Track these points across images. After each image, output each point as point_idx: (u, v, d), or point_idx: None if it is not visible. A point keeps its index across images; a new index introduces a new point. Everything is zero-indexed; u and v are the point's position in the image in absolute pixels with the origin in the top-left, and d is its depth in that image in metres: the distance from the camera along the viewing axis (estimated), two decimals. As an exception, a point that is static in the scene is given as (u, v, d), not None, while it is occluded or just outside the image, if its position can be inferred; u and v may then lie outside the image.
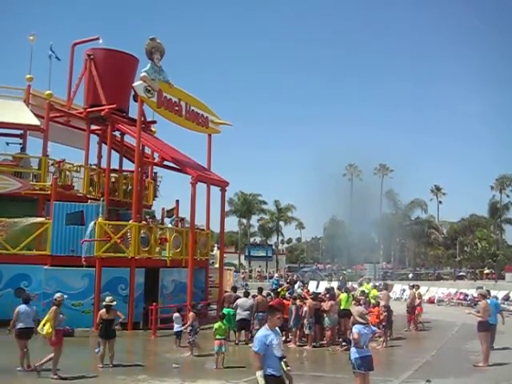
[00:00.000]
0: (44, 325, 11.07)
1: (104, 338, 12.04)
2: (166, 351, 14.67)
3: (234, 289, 18.41)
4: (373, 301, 21.64)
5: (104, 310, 12.37)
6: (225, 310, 15.62)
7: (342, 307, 15.92)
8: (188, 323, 14.01)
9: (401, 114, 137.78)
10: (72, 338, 16.23)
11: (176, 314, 15.34)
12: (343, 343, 15.18)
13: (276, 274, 45.94)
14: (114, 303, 12.48)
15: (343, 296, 16.52)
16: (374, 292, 22.26)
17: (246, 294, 16.66)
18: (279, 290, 19.28)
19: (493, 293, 16.82)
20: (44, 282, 17.83)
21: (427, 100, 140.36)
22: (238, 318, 15.81)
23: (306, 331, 15.43)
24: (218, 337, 12.52)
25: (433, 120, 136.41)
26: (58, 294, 11.96)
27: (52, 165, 20.99)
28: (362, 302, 16.01)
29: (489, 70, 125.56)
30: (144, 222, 20.19)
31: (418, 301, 19.70)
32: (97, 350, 12.01)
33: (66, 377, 10.98)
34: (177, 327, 15.11)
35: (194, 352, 13.79)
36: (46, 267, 18.13)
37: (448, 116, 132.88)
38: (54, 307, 11.36)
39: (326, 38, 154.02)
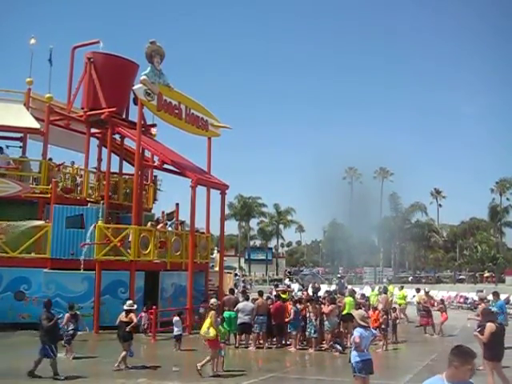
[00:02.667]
0: (208, 328, 11.79)
1: (119, 340, 12.52)
2: (166, 354, 14.64)
3: (232, 291, 18.41)
4: (402, 301, 22.05)
5: (124, 313, 12.72)
6: (225, 314, 15.61)
7: (345, 311, 15.86)
8: (63, 324, 13.21)
9: (401, 117, 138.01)
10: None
11: (176, 318, 15.32)
12: (337, 346, 15.16)
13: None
14: (135, 307, 13.04)
15: (348, 300, 16.50)
16: (403, 293, 22.64)
17: (247, 298, 16.66)
18: (280, 293, 19.22)
19: (491, 297, 16.78)
20: (44, 285, 17.81)
21: (427, 103, 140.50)
22: (239, 321, 15.79)
23: (312, 335, 15.40)
24: (217, 340, 12.51)
25: (433, 123, 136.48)
26: (213, 300, 13.06)
27: (52, 168, 21.00)
28: (362, 305, 16.04)
29: (488, 72, 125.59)
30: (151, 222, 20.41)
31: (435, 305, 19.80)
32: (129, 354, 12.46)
33: (219, 374, 11.84)
34: (176, 331, 15.10)
35: (68, 355, 13.31)
36: (45, 270, 18.11)
37: (448, 119, 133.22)
38: (213, 311, 12.17)
39: (325, 40, 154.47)
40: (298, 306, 15.99)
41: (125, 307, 12.88)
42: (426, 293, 20.48)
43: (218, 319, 12.25)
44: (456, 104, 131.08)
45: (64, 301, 17.28)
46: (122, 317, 12.66)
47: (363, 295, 20.11)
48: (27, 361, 11.85)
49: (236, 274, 48.25)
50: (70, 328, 13.37)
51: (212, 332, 11.72)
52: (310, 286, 29.19)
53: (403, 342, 17.35)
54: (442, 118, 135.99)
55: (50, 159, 21.43)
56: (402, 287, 24.74)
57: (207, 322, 11.99)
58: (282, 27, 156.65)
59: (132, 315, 12.68)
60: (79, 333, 14.58)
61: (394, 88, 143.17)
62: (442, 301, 20.44)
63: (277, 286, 23.24)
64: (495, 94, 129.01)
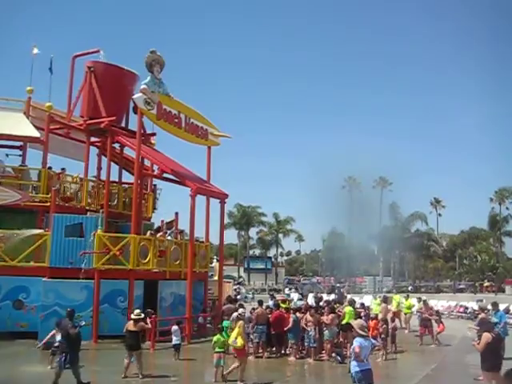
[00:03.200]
0: (236, 338, 12.02)
1: (127, 349, 12.48)
2: (165, 364, 14.58)
3: (230, 300, 18.30)
4: (408, 310, 22.26)
5: (132, 322, 12.72)
6: (224, 323, 15.56)
7: (345, 321, 15.81)
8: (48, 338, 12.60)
9: (400, 126, 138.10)
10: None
11: (175, 327, 15.29)
12: (337, 357, 15.10)
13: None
14: (142, 316, 13.05)
15: (348, 309, 16.46)
16: (409, 303, 22.82)
17: (241, 307, 16.50)
18: (279, 302, 19.15)
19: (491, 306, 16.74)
20: (43, 294, 17.75)
21: (427, 112, 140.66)
22: (235, 331, 15.73)
23: (311, 344, 15.34)
24: (217, 350, 12.45)
25: (432, 132, 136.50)
26: (241, 310, 13.38)
27: (52, 177, 21.01)
28: (362, 315, 15.99)
29: (489, 81, 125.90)
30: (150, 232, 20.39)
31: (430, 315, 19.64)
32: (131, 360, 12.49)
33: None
34: (175, 340, 15.06)
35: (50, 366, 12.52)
36: (44, 279, 18.06)
37: (447, 128, 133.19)
38: (241, 321, 12.44)
39: (325, 48, 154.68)
40: (298, 314, 15.94)
41: (133, 316, 12.91)
42: (423, 301, 20.53)
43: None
44: (456, 113, 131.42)
45: (63, 310, 17.22)
46: (130, 326, 12.64)
47: (362, 304, 20.08)
48: (26, 371, 11.84)
49: (239, 283, 48.12)
50: (57, 339, 13.05)
51: (239, 342, 11.94)
52: (312, 295, 29.08)
53: (403, 352, 17.29)
54: (441, 127, 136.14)
55: (50, 168, 21.45)
56: (407, 296, 24.88)
57: (235, 331, 12.17)
58: (281, 35, 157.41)
59: (142, 323, 12.75)
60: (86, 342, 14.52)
61: (394, 97, 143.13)
62: (438, 311, 20.50)
63: (272, 296, 22.85)
64: (495, 103, 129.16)
